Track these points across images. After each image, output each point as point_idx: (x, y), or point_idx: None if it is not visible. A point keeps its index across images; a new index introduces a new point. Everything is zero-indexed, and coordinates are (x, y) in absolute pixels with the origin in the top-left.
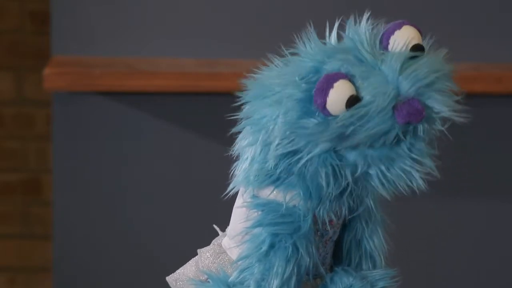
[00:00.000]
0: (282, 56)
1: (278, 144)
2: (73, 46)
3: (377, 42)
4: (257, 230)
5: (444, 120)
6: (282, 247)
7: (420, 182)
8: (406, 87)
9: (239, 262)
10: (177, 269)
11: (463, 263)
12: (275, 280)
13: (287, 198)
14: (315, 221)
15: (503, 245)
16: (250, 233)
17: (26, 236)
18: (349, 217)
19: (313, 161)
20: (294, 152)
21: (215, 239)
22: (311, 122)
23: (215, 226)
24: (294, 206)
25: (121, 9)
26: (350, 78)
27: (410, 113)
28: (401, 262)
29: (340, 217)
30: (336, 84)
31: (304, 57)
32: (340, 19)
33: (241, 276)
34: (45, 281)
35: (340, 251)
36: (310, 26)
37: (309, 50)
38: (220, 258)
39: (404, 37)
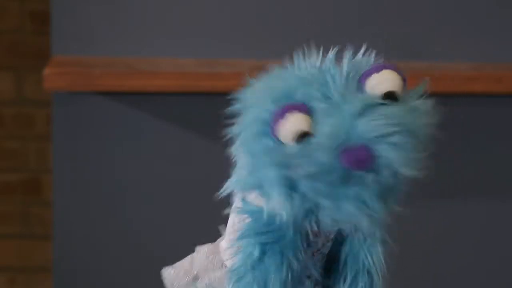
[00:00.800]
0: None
1: (234, 157)
2: (73, 46)
3: (355, 80)
4: (246, 240)
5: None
6: (272, 254)
7: (365, 225)
8: (359, 133)
9: (232, 273)
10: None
11: (461, 265)
12: (275, 285)
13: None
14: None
15: (503, 246)
16: (240, 243)
17: (26, 236)
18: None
19: (267, 179)
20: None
21: (219, 239)
22: (266, 142)
23: (220, 228)
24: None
25: (121, 9)
26: (310, 113)
27: (353, 160)
28: (398, 264)
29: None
30: (290, 116)
31: (281, 79)
32: (335, 47)
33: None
34: (45, 281)
35: (337, 265)
36: (309, 42)
37: (291, 71)
38: (213, 257)
39: (379, 82)
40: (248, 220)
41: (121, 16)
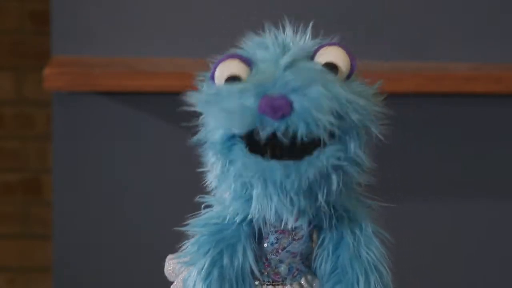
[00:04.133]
0: None
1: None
2: (73, 46)
3: (310, 52)
4: (192, 231)
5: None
6: (202, 246)
7: (290, 219)
8: (283, 83)
9: (181, 262)
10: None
11: (463, 264)
12: (197, 276)
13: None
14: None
15: (503, 246)
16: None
17: (26, 236)
18: (310, 229)
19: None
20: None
21: None
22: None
23: None
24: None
25: (121, 9)
26: (251, 66)
27: (269, 105)
28: (398, 263)
29: (296, 228)
30: (227, 60)
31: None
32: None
33: (183, 272)
34: (45, 281)
35: (335, 268)
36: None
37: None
38: None
39: (325, 53)
40: (207, 212)
41: (121, 16)
